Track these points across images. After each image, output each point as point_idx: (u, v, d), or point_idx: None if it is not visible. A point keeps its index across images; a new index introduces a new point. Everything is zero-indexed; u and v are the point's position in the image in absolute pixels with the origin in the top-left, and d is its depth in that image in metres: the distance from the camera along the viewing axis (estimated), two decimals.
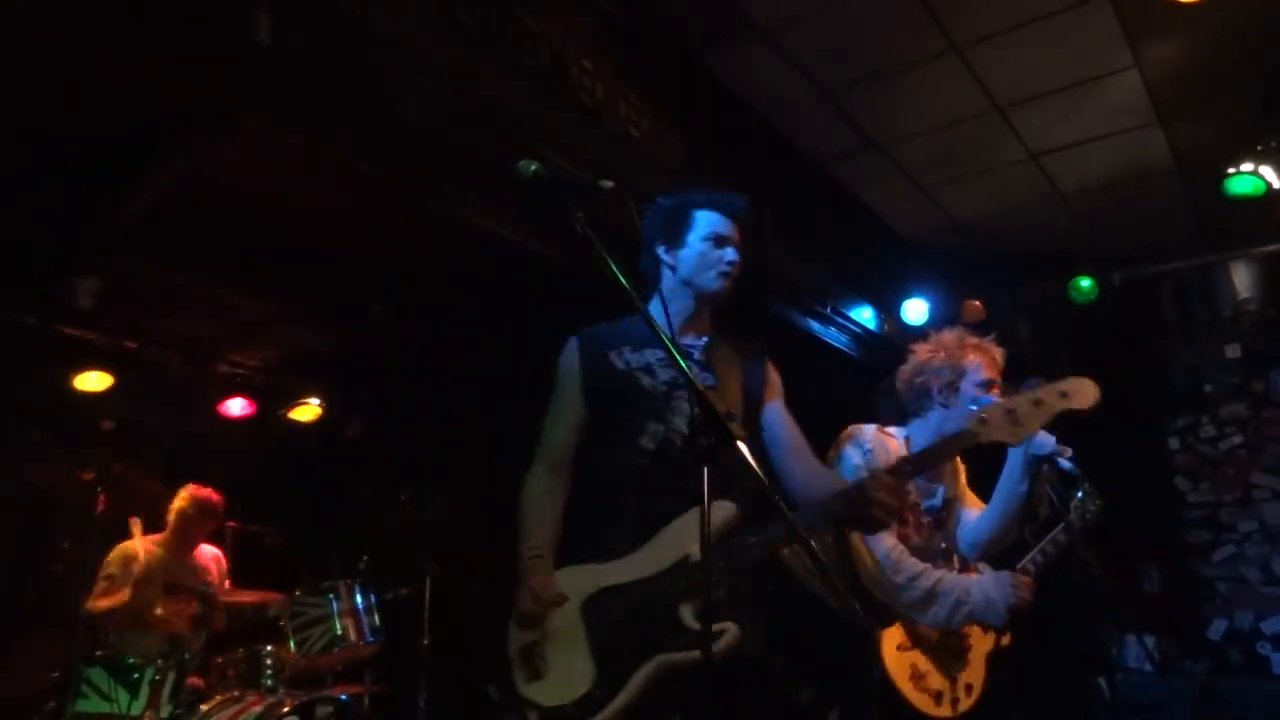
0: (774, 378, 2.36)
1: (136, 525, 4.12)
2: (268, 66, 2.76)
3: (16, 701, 4.08)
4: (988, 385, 2.71)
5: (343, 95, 2.95)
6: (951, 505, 2.85)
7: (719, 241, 2.27)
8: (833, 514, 1.95)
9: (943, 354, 2.75)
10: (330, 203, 4.05)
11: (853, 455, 2.71)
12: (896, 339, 6.20)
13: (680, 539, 1.97)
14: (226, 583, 4.47)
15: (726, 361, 2.25)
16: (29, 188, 3.54)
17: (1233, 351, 5.72)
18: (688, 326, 2.28)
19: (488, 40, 3.32)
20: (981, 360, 2.74)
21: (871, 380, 3.02)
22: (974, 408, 2.63)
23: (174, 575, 4.17)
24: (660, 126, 4.14)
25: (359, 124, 3.07)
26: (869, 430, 2.77)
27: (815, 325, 5.62)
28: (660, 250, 2.30)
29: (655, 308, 2.22)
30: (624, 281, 1.71)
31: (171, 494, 4.32)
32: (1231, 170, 4.46)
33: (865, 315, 6.01)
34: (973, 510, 2.83)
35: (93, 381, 4.99)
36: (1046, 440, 2.53)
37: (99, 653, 3.67)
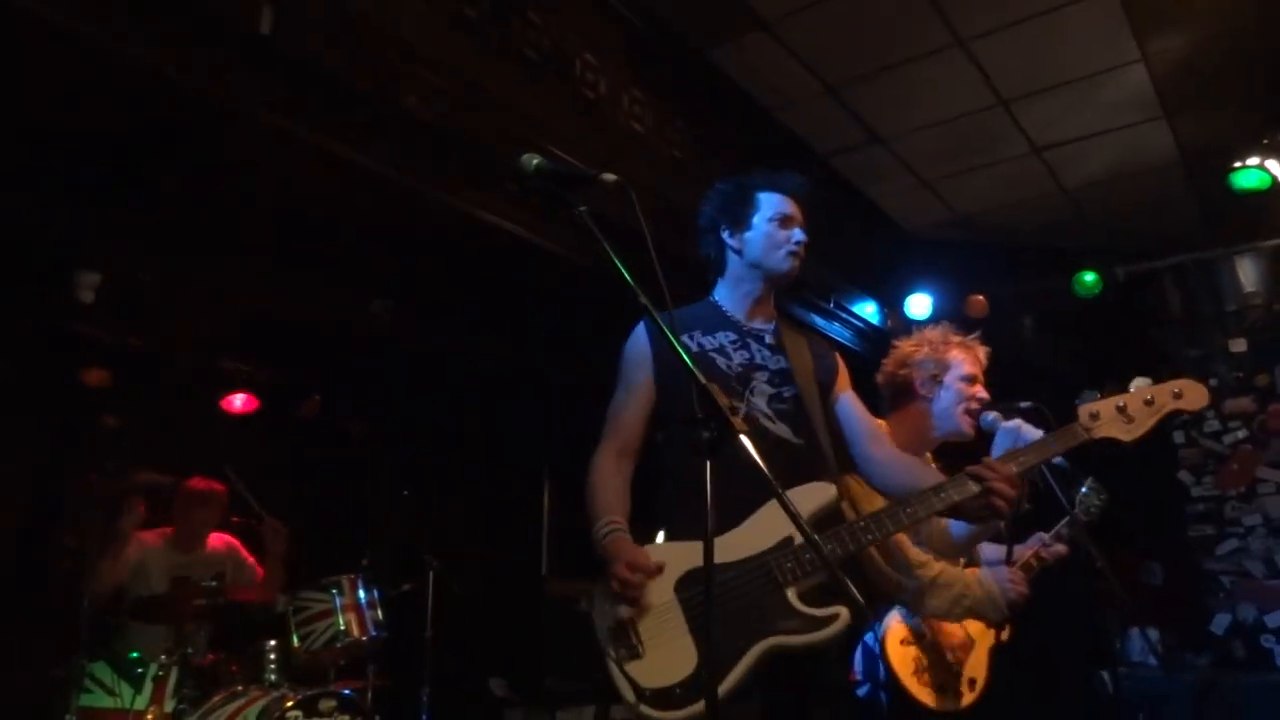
0: (843, 367, 2.37)
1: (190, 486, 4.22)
2: (269, 58, 2.75)
3: (20, 697, 4.08)
4: (971, 380, 2.73)
5: (345, 88, 2.94)
6: None
7: (785, 222, 2.28)
8: (950, 502, 1.93)
9: (927, 348, 2.78)
10: (333, 198, 4.04)
11: None
12: (900, 334, 6.18)
13: (779, 521, 1.92)
14: (253, 564, 4.46)
15: (797, 346, 2.27)
16: (31, 183, 3.53)
17: (1237, 345, 5.71)
18: (756, 309, 2.29)
19: (491, 33, 3.31)
20: (965, 357, 2.76)
21: (875, 374, 3.01)
22: (959, 404, 2.66)
23: (180, 569, 4.17)
24: (663, 120, 4.13)
25: (361, 117, 3.07)
26: None
27: (818, 320, 5.61)
28: (725, 234, 2.32)
29: (722, 291, 2.28)
30: (626, 275, 1.71)
31: (175, 490, 4.31)
32: (1237, 164, 4.45)
33: (869, 310, 6.00)
34: None
35: (96, 378, 4.99)
36: (1031, 435, 2.54)
37: (103, 648, 3.68)
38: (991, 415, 2.67)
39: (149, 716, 3.46)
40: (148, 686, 3.50)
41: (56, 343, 4.68)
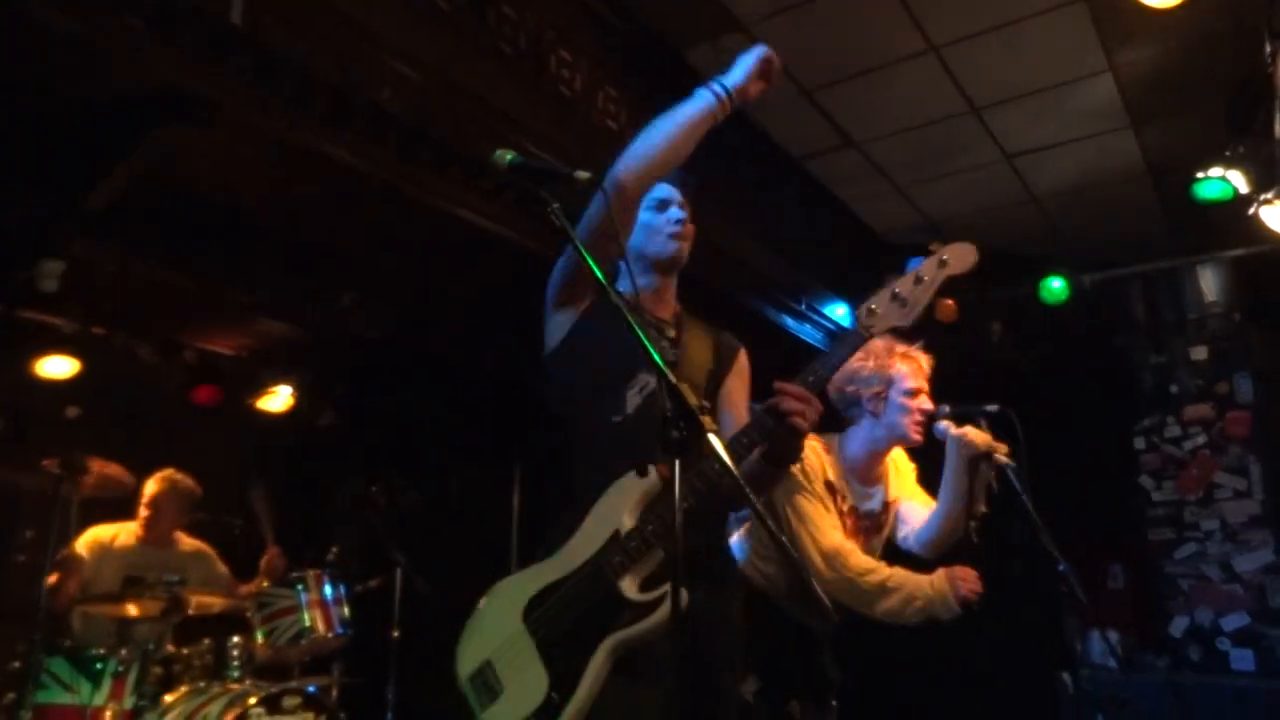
0: (739, 368, 2.31)
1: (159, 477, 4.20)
2: (240, 50, 2.72)
3: None
4: (914, 393, 2.76)
5: (316, 81, 2.91)
6: (890, 508, 2.90)
7: (660, 206, 2.25)
8: (755, 441, 1.88)
9: (872, 362, 2.79)
10: (302, 190, 4.00)
11: None
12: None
13: (609, 515, 1.90)
14: (227, 573, 4.41)
15: (698, 342, 2.24)
16: None
17: (1198, 354, 5.81)
18: (655, 302, 2.24)
19: (465, 28, 3.29)
20: (908, 368, 2.78)
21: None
22: (905, 417, 2.70)
23: (140, 568, 4.10)
24: (638, 118, 4.11)
25: (332, 110, 3.04)
26: None
27: (789, 321, 5.64)
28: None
29: (622, 286, 2.14)
30: (598, 272, 1.71)
31: (137, 482, 4.24)
32: (1201, 175, 4.52)
33: (839, 312, 6.04)
34: (920, 509, 2.89)
35: (57, 368, 4.90)
36: (979, 438, 2.59)
37: (62, 643, 3.61)
38: (942, 425, 2.71)
39: (107, 713, 3.41)
40: (106, 682, 3.45)
41: (18, 331, 4.60)
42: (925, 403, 2.76)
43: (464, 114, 3.28)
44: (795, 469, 2.71)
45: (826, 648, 2.83)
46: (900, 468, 2.99)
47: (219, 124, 3.00)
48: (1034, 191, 5.53)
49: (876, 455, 2.84)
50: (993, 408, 3.00)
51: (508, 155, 1.84)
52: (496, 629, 1.93)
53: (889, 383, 2.77)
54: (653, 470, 1.87)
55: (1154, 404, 5.88)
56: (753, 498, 1.51)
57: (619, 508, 1.88)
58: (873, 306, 1.89)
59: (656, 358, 1.57)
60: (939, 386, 2.88)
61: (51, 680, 3.42)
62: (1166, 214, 5.68)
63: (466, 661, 1.95)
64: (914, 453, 3.00)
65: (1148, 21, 3.94)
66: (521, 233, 3.81)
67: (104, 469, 3.88)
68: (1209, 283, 5.81)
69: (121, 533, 4.19)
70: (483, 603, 2.01)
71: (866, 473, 2.84)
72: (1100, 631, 5.23)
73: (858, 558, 2.64)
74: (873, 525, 2.85)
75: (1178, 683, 5.04)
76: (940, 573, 2.59)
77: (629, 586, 1.82)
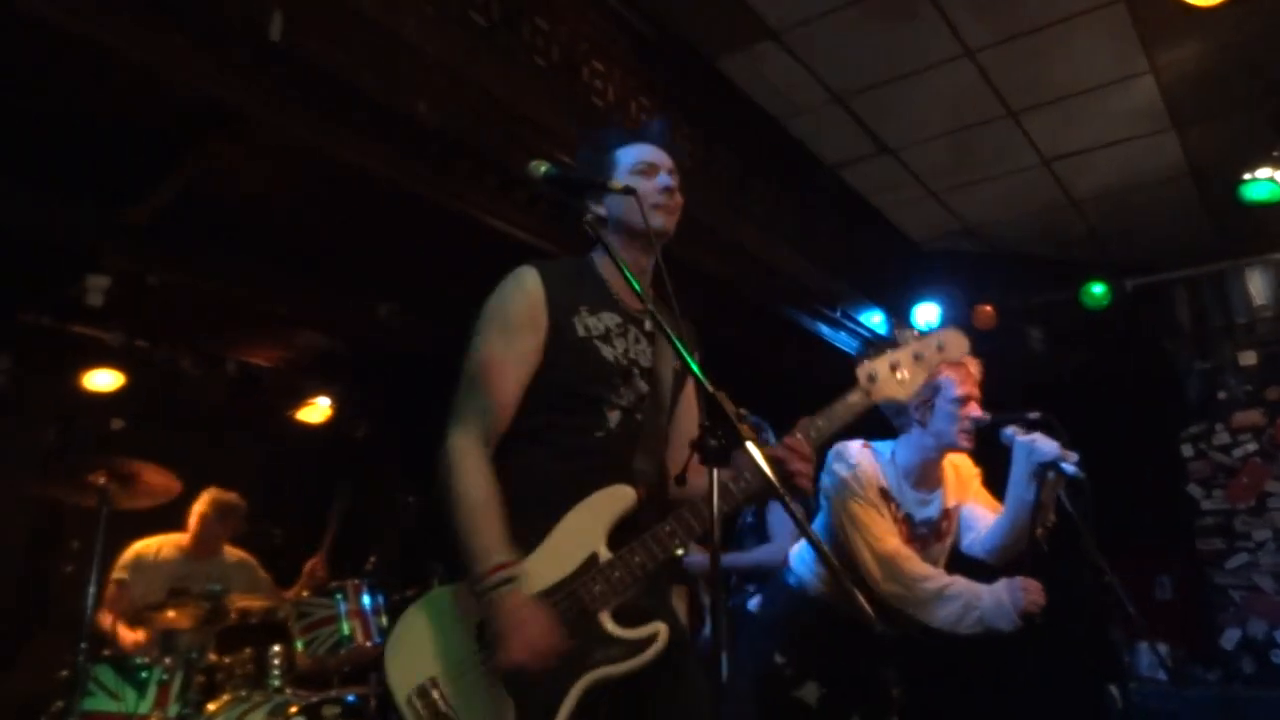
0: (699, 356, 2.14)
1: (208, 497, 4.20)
2: (279, 66, 2.76)
3: (25, 700, 4.08)
4: (962, 402, 2.69)
5: (354, 94, 2.95)
6: (950, 515, 2.84)
7: (648, 170, 1.96)
8: (750, 490, 1.77)
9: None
10: (339, 203, 4.05)
11: (839, 470, 2.71)
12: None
13: (582, 535, 1.76)
14: (269, 579, 4.48)
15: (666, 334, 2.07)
16: (40, 187, 3.55)
17: (1247, 358, 5.67)
18: (632, 290, 1.99)
19: (499, 40, 3.32)
20: (955, 376, 2.72)
21: None
22: (953, 425, 2.66)
23: (185, 579, 4.17)
24: (671, 128, 4.13)
25: (369, 123, 3.08)
26: (854, 446, 2.77)
27: (825, 329, 5.60)
28: (591, 204, 1.97)
29: (601, 259, 1.99)
30: (633, 282, 1.71)
31: (182, 490, 4.31)
32: (1247, 176, 4.43)
33: (875, 320, 5.98)
34: (986, 514, 2.83)
35: (103, 381, 5.00)
36: (1049, 447, 2.52)
37: (106, 652, 3.68)
38: (1009, 430, 2.64)
39: None
40: (151, 690, 3.49)
41: (64, 345, 4.70)
42: (974, 410, 2.70)
43: (499, 126, 3.31)
44: (848, 476, 2.69)
45: (892, 661, 2.80)
46: (962, 472, 2.92)
47: (259, 138, 3.05)
48: (1074, 195, 5.45)
49: (929, 462, 2.78)
50: (1034, 415, 2.95)
51: (542, 166, 1.85)
52: (444, 645, 1.72)
53: (936, 390, 2.71)
54: (631, 492, 1.80)
55: (1201, 411, 5.74)
56: (797, 514, 1.49)
57: (592, 529, 1.77)
58: (873, 372, 1.89)
59: (695, 369, 1.57)
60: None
61: (98, 688, 3.47)
62: (1211, 216, 5.56)
63: (403, 675, 1.71)
64: (976, 457, 2.95)
65: (1189, 21, 3.86)
66: (555, 243, 3.82)
67: (149, 479, 3.95)
68: (1257, 285, 5.68)
69: (165, 545, 4.26)
70: (419, 610, 1.78)
71: (921, 479, 2.79)
72: (1149, 643, 5.11)
73: (914, 563, 2.60)
74: (930, 533, 2.79)
75: (1230, 696, 4.91)
76: (1002, 583, 2.53)
77: (609, 620, 1.71)
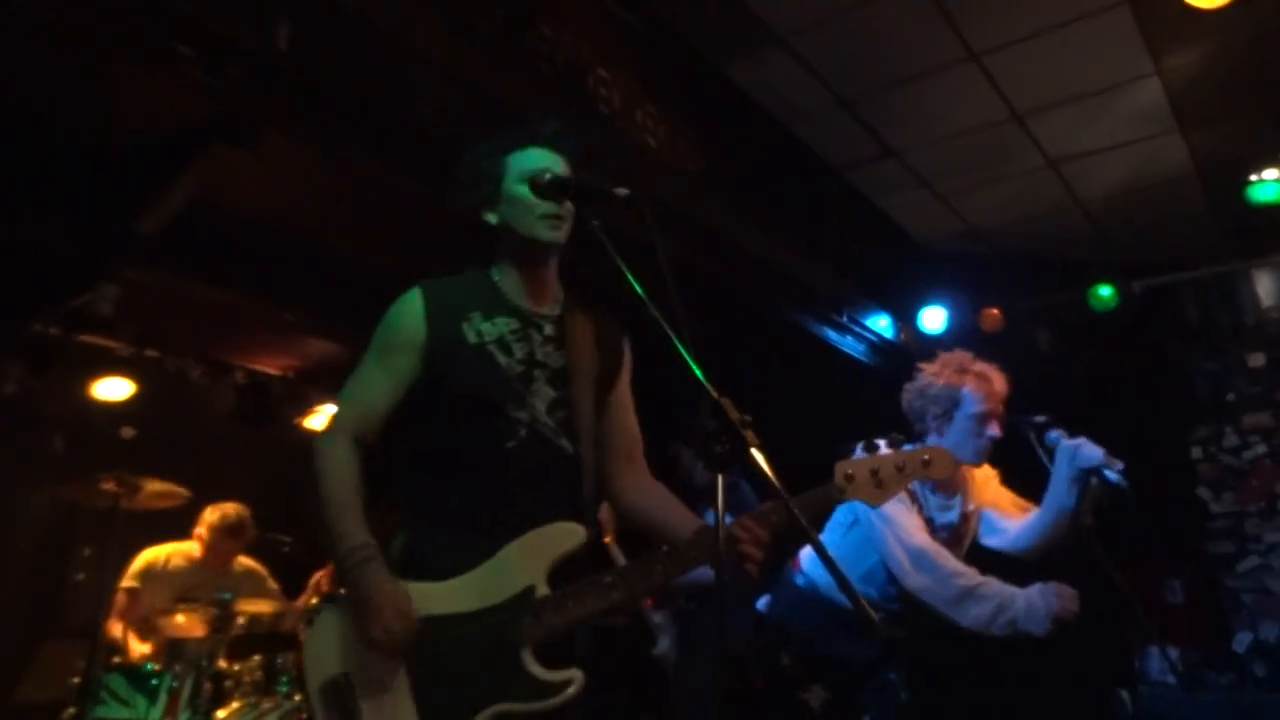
0: (627, 364, 2.09)
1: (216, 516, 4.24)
2: (286, 75, 2.78)
3: (38, 707, 4.11)
4: (983, 418, 2.68)
5: (359, 103, 2.97)
6: (969, 519, 2.84)
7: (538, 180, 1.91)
8: (702, 561, 1.76)
9: (943, 379, 2.73)
10: (347, 211, 4.07)
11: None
12: (914, 347, 6.17)
13: (523, 564, 1.74)
14: (278, 589, 4.49)
15: (582, 335, 1.99)
16: (51, 198, 3.57)
17: (1256, 360, 5.65)
18: (536, 290, 1.97)
19: (505, 48, 3.33)
20: (980, 391, 2.70)
21: (888, 389, 3.00)
22: (970, 442, 2.64)
23: (195, 589, 4.18)
24: (676, 134, 4.14)
25: (374, 131, 3.09)
26: (882, 444, 2.76)
27: (831, 333, 5.60)
28: (484, 214, 1.96)
29: (499, 269, 1.98)
30: (639, 289, 1.71)
31: (190, 501, 4.33)
32: (1254, 177, 4.41)
33: (882, 324, 5.98)
34: (1008, 516, 2.82)
35: (113, 389, 5.03)
36: (1094, 453, 2.50)
37: (117, 660, 3.70)
38: (1056, 432, 2.62)
39: None
40: (162, 698, 3.51)
41: (75, 354, 4.73)
42: (994, 428, 2.68)
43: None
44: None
45: (899, 665, 2.80)
46: (977, 474, 2.91)
47: (266, 148, 3.07)
48: (1080, 197, 5.44)
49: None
50: (1041, 418, 2.94)
51: (548, 173, 1.86)
52: (360, 640, 1.70)
53: (956, 403, 2.70)
54: (580, 532, 1.79)
55: (1210, 413, 5.72)
56: (809, 529, 1.49)
57: (532, 562, 1.75)
58: (850, 472, 1.88)
59: (698, 373, 1.57)
60: None
61: (109, 696, 3.50)
62: (1218, 218, 5.55)
63: (318, 668, 1.73)
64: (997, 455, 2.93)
65: (1195, 23, 3.86)
66: (562, 250, 3.82)
67: (158, 486, 3.98)
68: (1266, 287, 5.66)
69: (175, 555, 4.28)
70: (342, 605, 1.77)
71: (941, 484, 2.78)
72: (1160, 647, 5.09)
73: (947, 559, 2.59)
74: (950, 537, 2.79)
75: (1242, 700, 4.87)
76: (1036, 587, 2.50)
77: (530, 658, 1.69)
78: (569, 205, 1.90)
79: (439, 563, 1.76)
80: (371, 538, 1.74)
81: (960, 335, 6.04)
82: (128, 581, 4.12)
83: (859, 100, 4.58)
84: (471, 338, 1.88)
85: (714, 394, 1.54)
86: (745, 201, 4.65)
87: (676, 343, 1.63)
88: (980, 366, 2.76)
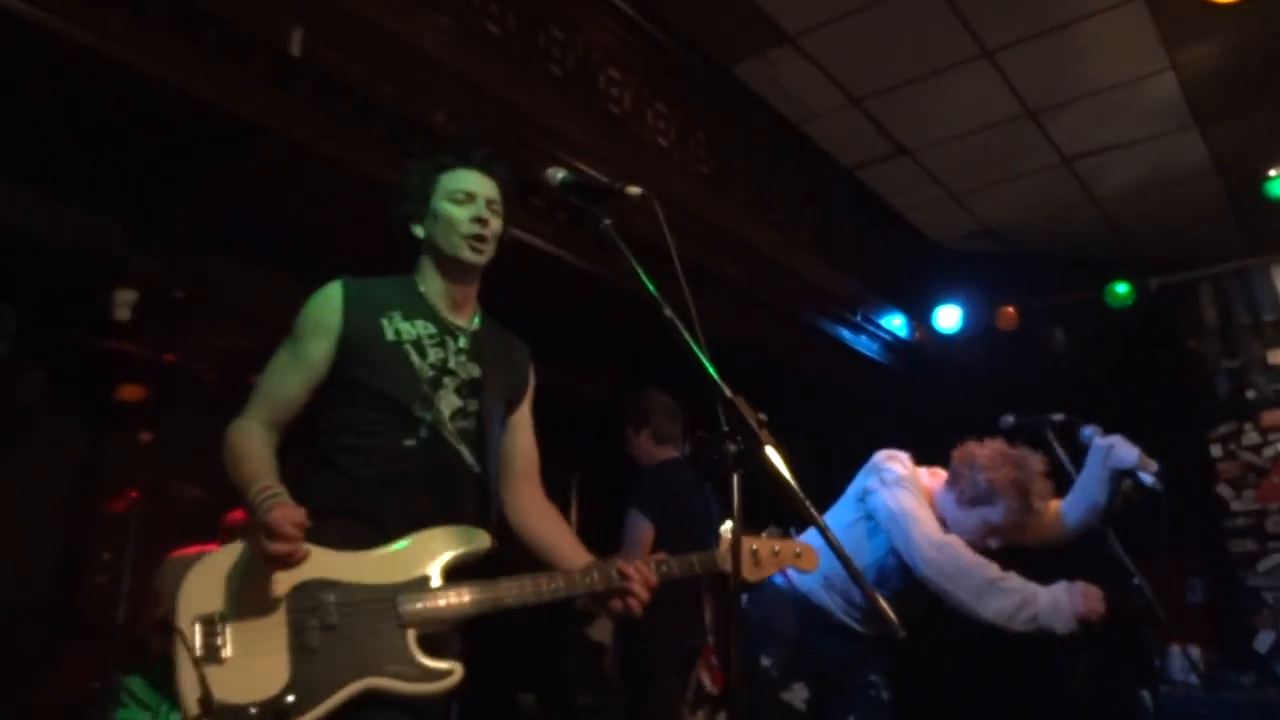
0: (531, 385, 2.18)
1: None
2: (299, 79, 2.80)
3: (58, 711, 4.14)
4: (994, 531, 2.63)
5: (373, 106, 2.98)
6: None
7: (464, 200, 1.98)
8: (593, 589, 1.83)
9: (992, 475, 2.61)
10: (363, 213, 4.09)
11: (895, 467, 2.72)
12: (929, 346, 6.14)
13: (422, 556, 1.77)
14: None
15: (496, 353, 2.05)
16: (68, 203, 3.61)
17: (1275, 357, 5.59)
18: (455, 303, 2.02)
19: (516, 50, 3.34)
20: (1015, 515, 2.60)
21: (903, 388, 2.99)
22: (975, 538, 2.62)
23: None
24: (687, 134, 4.14)
25: (389, 134, 3.10)
26: (904, 455, 2.78)
27: (846, 333, 5.58)
28: (413, 226, 2.05)
29: (423, 276, 2.03)
30: (651, 288, 1.71)
31: (209, 505, 4.35)
32: (1273, 173, 4.38)
33: (896, 323, 5.96)
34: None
35: (131, 394, 5.07)
36: (1129, 454, 2.49)
37: (139, 662, 3.72)
38: (1090, 429, 2.61)
39: None
40: None
41: (93, 359, 4.77)
42: (997, 542, 2.65)
43: (516, 134, 3.33)
44: (905, 473, 2.69)
45: (881, 664, 2.79)
46: None
47: (281, 152, 3.09)
48: (1095, 194, 5.40)
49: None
50: (1059, 416, 2.93)
51: (559, 174, 1.86)
52: (245, 585, 1.67)
53: (989, 504, 2.62)
54: (487, 541, 1.83)
55: (1229, 410, 5.66)
56: (818, 518, 1.49)
57: (431, 555, 1.78)
58: (753, 547, 1.97)
59: (712, 371, 1.57)
60: (1000, 394, 2.81)
61: (130, 699, 3.51)
62: (1236, 214, 5.50)
63: (194, 600, 1.66)
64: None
65: (1209, 17, 3.83)
66: (574, 251, 3.83)
67: (177, 490, 4.01)
68: None
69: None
70: (237, 547, 1.73)
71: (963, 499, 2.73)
72: (1180, 647, 5.04)
73: (969, 551, 2.58)
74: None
75: (1264, 701, 4.83)
76: (1061, 585, 2.48)
77: (413, 641, 1.70)
78: (494, 227, 1.99)
79: (329, 540, 1.76)
80: (278, 485, 1.75)
81: (975, 334, 6.01)
82: (156, 581, 4.11)
83: (871, 99, 4.56)
84: (389, 335, 1.92)
85: (728, 393, 1.54)
86: (757, 201, 4.65)
87: (690, 342, 1.63)
88: (1036, 489, 2.62)
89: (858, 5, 3.90)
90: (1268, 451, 5.49)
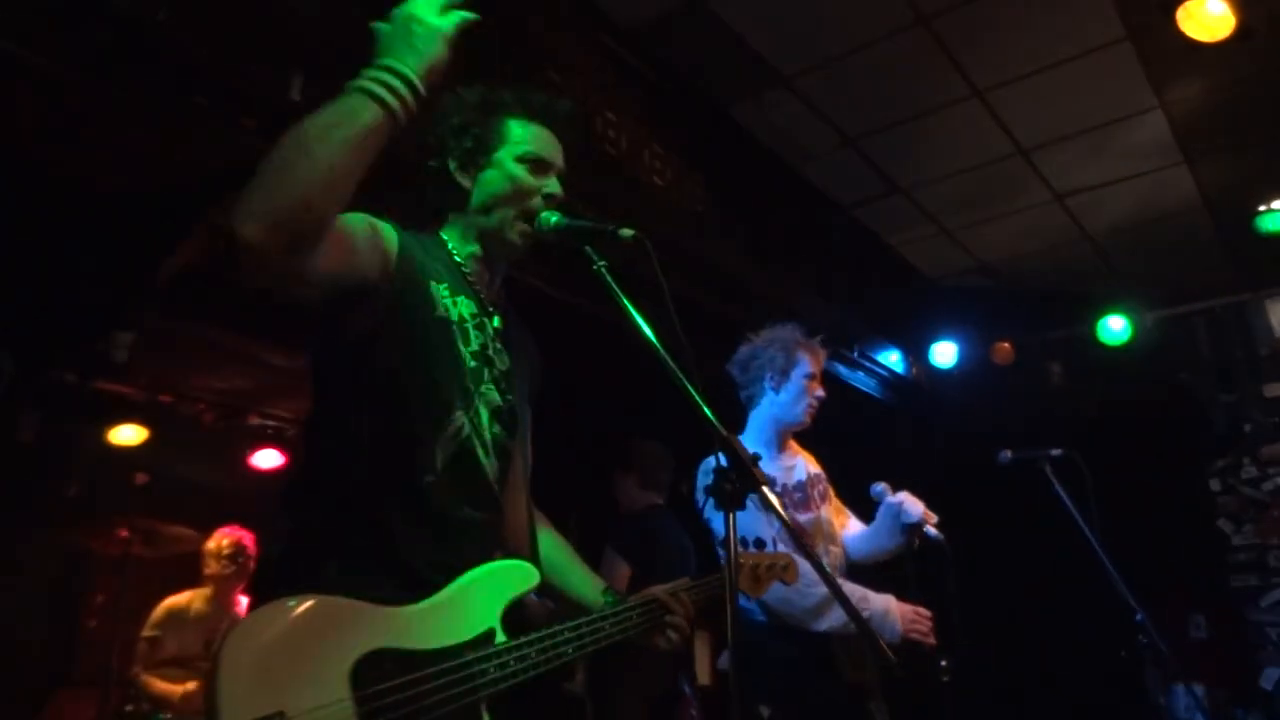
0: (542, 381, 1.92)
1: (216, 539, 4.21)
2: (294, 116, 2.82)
3: None
4: (812, 378, 2.91)
5: None
6: (817, 483, 2.95)
7: (537, 167, 1.69)
8: (642, 626, 1.66)
9: (778, 344, 2.94)
10: None
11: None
12: (925, 382, 6.15)
13: (483, 600, 1.48)
14: None
15: (521, 340, 1.79)
16: (68, 247, 3.63)
17: (1272, 390, 5.61)
18: (488, 275, 1.73)
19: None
20: (810, 356, 2.94)
21: (900, 424, 3.02)
22: (801, 400, 2.87)
23: (213, 633, 4.16)
24: (683, 175, 4.18)
25: (384, 176, 3.13)
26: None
27: (842, 369, 5.59)
28: (454, 167, 1.69)
29: (453, 236, 1.70)
30: (646, 330, 1.70)
31: (202, 542, 4.31)
32: (1263, 208, 4.42)
33: (893, 359, 5.97)
34: (837, 517, 2.98)
35: (127, 435, 5.06)
36: (915, 510, 2.64)
37: (129, 709, 3.67)
38: (880, 486, 2.78)
39: None
40: None
41: (90, 400, 4.76)
42: (819, 390, 2.91)
43: None
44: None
45: (843, 680, 2.78)
46: (803, 452, 3.05)
47: None
48: (1088, 230, 5.45)
49: (783, 431, 2.93)
50: (1057, 452, 2.94)
51: (553, 217, 1.84)
52: (307, 674, 1.25)
53: (792, 364, 2.90)
54: (535, 575, 1.58)
55: (1228, 444, 5.66)
56: (813, 554, 1.48)
57: (489, 602, 1.49)
58: (740, 565, 2.01)
59: (708, 412, 1.56)
60: (996, 429, 2.83)
61: None
62: (1228, 249, 5.54)
63: (247, 698, 1.20)
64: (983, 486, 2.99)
65: (1196, 57, 3.89)
66: (571, 292, 3.85)
67: (172, 532, 3.98)
68: (1279, 316, 5.63)
69: (196, 599, 4.25)
70: (275, 617, 1.28)
71: (780, 445, 2.93)
72: (1185, 685, 4.99)
73: (805, 569, 2.64)
74: (803, 498, 2.86)
75: None
76: (894, 600, 2.64)
77: (484, 710, 1.40)
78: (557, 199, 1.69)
79: (376, 580, 1.40)
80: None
81: (971, 369, 6.02)
82: (149, 631, 4.04)
83: (865, 138, 4.62)
84: (439, 309, 1.55)
85: (723, 433, 1.53)
86: (753, 240, 4.68)
87: (684, 383, 1.61)
88: (807, 341, 2.99)
89: (851, 47, 3.96)
90: (1267, 485, 5.48)
